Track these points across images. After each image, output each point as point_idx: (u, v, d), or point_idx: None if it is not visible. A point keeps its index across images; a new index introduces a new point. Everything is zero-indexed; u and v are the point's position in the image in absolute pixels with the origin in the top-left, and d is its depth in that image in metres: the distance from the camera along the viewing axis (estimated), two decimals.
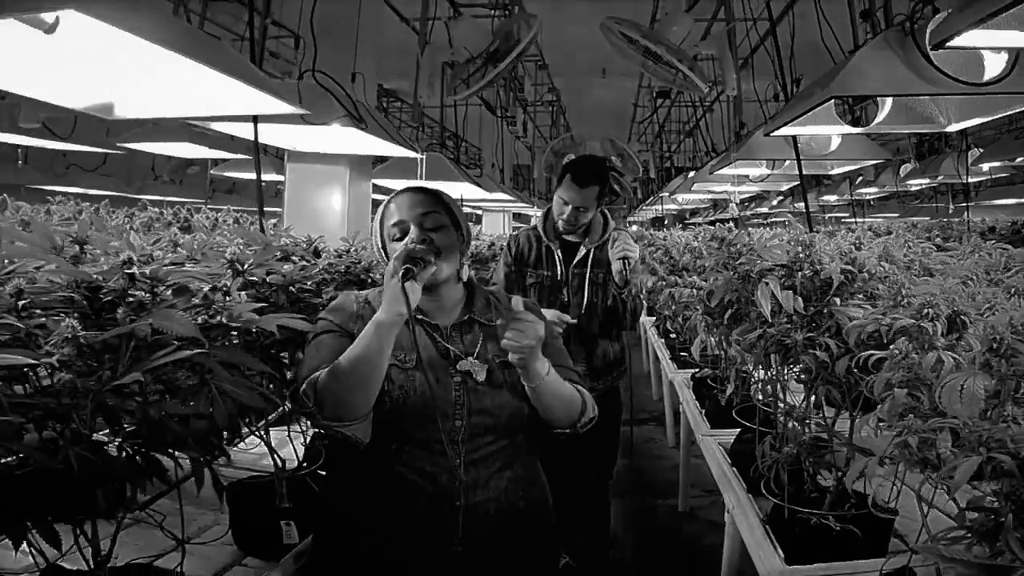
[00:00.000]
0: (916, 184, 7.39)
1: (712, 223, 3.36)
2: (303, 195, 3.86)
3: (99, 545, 1.28)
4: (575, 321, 2.88)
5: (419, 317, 1.64)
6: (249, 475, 2.12)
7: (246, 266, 1.52)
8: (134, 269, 1.03)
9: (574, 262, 3.03)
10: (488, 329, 1.70)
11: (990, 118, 2.58)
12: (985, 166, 5.85)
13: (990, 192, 8.81)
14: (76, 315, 0.98)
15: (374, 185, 4.32)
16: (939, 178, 6.43)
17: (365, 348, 1.42)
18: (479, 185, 5.06)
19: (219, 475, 1.28)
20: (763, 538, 2.04)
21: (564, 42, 7.10)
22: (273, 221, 5.17)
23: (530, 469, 1.75)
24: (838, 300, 1.47)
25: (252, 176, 6.52)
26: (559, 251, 3.03)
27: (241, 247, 1.67)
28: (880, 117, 2.73)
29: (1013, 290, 1.34)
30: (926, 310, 1.00)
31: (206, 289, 1.23)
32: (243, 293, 1.37)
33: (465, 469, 1.58)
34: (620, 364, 3.10)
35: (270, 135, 3.07)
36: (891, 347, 1.10)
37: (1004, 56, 1.78)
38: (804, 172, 3.49)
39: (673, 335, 5.00)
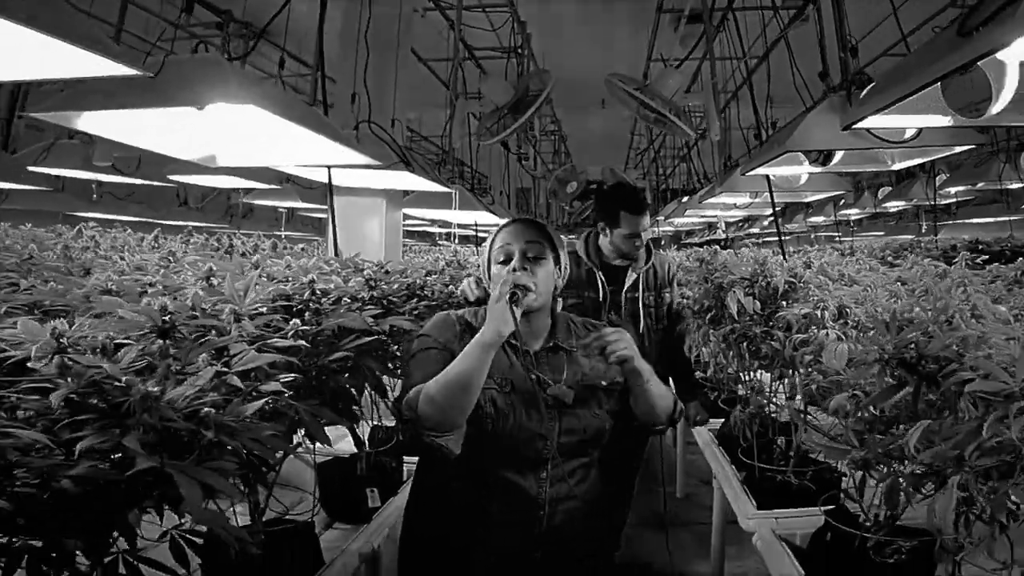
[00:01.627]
0: (893, 206, 7.98)
1: (704, 244, 3.87)
2: (346, 223, 4.43)
3: (258, 500, 1.81)
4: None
5: (513, 342, 1.71)
6: (331, 456, 2.57)
7: (377, 282, 2.00)
8: (316, 286, 1.58)
9: (625, 287, 3.15)
10: (570, 354, 1.79)
11: (925, 159, 3.18)
12: (952, 189, 6.44)
13: (972, 211, 9.41)
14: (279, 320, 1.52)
15: (404, 214, 4.89)
16: (913, 200, 7.01)
17: (467, 364, 1.51)
18: (493, 212, 5.63)
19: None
20: (740, 492, 2.59)
21: (566, 75, 7.65)
22: (308, 244, 5.72)
23: (605, 475, 1.84)
24: (784, 303, 2.03)
25: (271, 202, 7.13)
26: (600, 274, 3.15)
27: (373, 269, 2.14)
28: (837, 158, 3.32)
29: (906, 291, 1.90)
30: (819, 304, 1.56)
31: (347, 299, 1.78)
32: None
33: (550, 483, 1.69)
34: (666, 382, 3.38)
35: (322, 173, 3.64)
36: (810, 331, 1.66)
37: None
38: (780, 199, 4.07)
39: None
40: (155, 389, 0.90)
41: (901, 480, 1.11)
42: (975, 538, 0.96)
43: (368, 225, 4.41)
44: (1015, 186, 6.14)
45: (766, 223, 13.07)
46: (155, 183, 5.87)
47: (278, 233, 9.50)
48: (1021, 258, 2.96)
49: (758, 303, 2.03)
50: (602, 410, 1.74)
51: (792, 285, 2.03)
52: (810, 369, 1.52)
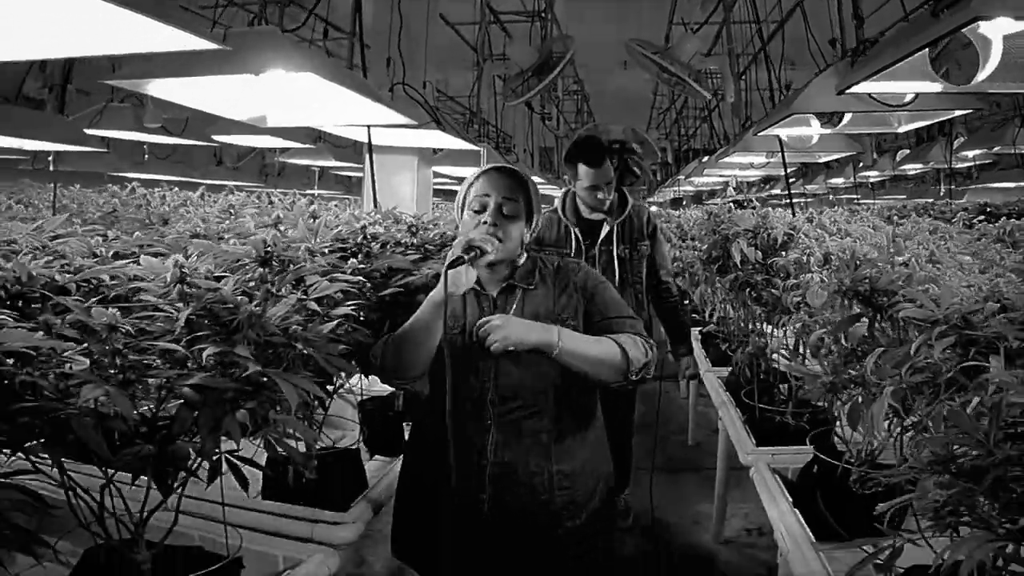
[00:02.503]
0: (911, 168, 8.07)
1: (727, 203, 4.02)
2: (380, 179, 4.65)
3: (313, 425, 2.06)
4: None
5: (474, 287, 1.74)
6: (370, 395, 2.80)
7: (418, 230, 2.22)
8: (367, 231, 1.82)
9: (599, 240, 3.20)
10: (528, 292, 1.78)
11: (927, 122, 3.34)
12: (969, 153, 6.53)
13: (996, 175, 9.45)
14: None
15: (434, 171, 5.12)
16: (931, 163, 7.11)
17: (419, 319, 1.60)
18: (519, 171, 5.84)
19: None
20: (741, 430, 2.83)
21: (588, 36, 7.78)
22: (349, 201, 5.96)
23: (564, 437, 1.79)
24: (784, 253, 2.25)
25: (306, 161, 7.38)
26: (576, 230, 3.21)
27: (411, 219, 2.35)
28: (846, 120, 3.49)
29: (895, 240, 2.10)
30: (807, 251, 1.78)
31: (391, 244, 2.02)
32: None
33: (497, 428, 1.71)
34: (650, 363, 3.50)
35: (358, 132, 3.87)
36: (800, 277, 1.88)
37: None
38: (794, 159, 4.24)
39: (687, 302, 5.81)
40: (258, 309, 1.14)
41: (860, 400, 1.33)
42: (908, 454, 1.16)
43: (401, 181, 4.64)
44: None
45: (789, 182, 13.14)
46: (198, 143, 6.13)
47: (311, 192, 9.75)
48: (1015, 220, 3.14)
49: (760, 253, 2.25)
50: (548, 359, 1.66)
51: (790, 237, 2.24)
52: (799, 310, 1.75)
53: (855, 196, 14.13)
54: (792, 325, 1.90)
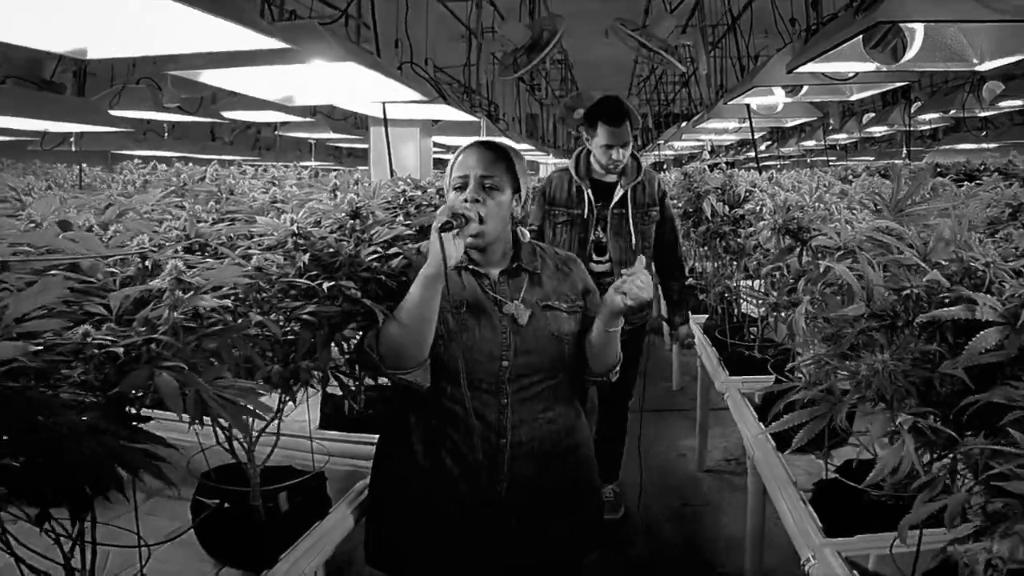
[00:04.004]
0: (876, 131, 8.54)
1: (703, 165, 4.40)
2: (382, 151, 5.06)
3: None
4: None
5: (469, 267, 1.76)
6: None
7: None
8: (407, 194, 2.24)
9: (613, 203, 3.20)
10: (534, 276, 1.80)
11: (876, 91, 3.77)
12: (926, 116, 6.99)
13: (958, 137, 9.95)
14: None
15: (433, 141, 5.54)
16: (894, 126, 7.57)
17: (413, 298, 1.55)
18: (511, 139, 6.25)
19: None
20: (718, 365, 3.28)
21: (571, 6, 8.00)
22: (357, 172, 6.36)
23: (571, 412, 1.85)
24: (746, 205, 2.69)
25: (304, 134, 7.71)
26: (589, 191, 3.20)
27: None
28: (804, 90, 3.92)
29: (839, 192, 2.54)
30: (760, 203, 2.21)
31: (424, 204, 2.44)
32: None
33: (512, 408, 1.70)
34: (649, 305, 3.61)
35: (370, 107, 4.25)
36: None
37: None
38: (764, 125, 4.65)
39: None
40: (354, 250, 1.57)
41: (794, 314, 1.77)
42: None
43: (405, 151, 5.04)
44: (987, 114, 6.70)
45: (763, 147, 13.62)
46: (200, 120, 6.47)
47: (307, 163, 10.07)
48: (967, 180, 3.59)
49: (727, 207, 2.69)
50: (561, 333, 1.75)
51: (751, 192, 2.68)
52: (755, 251, 2.19)
53: (830, 158, 14.63)
54: (751, 263, 2.34)
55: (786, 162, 15.40)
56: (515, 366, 1.70)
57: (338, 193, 2.12)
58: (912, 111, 6.69)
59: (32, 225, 1.33)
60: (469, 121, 4.76)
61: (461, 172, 1.74)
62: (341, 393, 1.80)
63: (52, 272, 1.05)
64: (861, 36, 2.26)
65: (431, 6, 6.62)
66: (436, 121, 5.46)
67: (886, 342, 0.98)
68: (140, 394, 0.95)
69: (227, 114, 5.74)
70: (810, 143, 10.38)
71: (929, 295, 0.97)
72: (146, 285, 1.00)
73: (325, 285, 1.46)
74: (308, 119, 6.83)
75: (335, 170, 10.61)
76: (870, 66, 2.68)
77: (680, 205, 3.28)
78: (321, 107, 7.28)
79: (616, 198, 3.19)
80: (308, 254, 1.52)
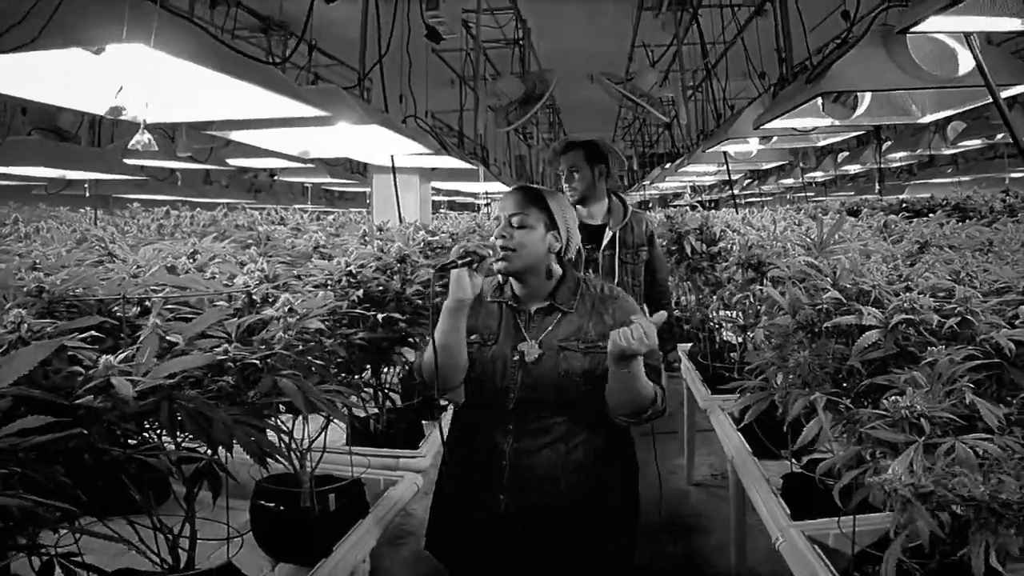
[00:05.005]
0: (851, 169, 9.00)
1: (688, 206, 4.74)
2: (386, 197, 5.42)
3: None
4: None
5: (509, 303, 1.89)
6: None
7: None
8: (427, 239, 2.58)
9: (603, 245, 3.35)
10: (566, 316, 1.86)
11: (836, 138, 4.17)
12: (895, 155, 7.44)
13: (933, 172, 10.46)
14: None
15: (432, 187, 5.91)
16: (867, 164, 8.02)
17: (440, 330, 1.71)
18: (502, 182, 6.64)
19: None
20: (700, 384, 3.61)
21: (557, 49, 8.07)
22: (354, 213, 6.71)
23: (591, 448, 1.87)
24: (721, 243, 3.04)
25: (303, 179, 8.04)
26: (583, 233, 3.28)
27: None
28: (775, 138, 4.32)
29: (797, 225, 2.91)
30: (730, 243, 2.56)
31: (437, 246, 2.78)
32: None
33: (515, 436, 1.81)
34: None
35: (376, 158, 4.61)
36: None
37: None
38: (740, 168, 5.02)
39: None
40: (401, 288, 1.91)
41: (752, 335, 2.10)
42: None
43: (406, 197, 5.39)
44: (951, 151, 7.15)
45: (746, 183, 14.12)
46: (212, 167, 6.83)
47: (304, 206, 10.41)
48: (921, 216, 3.97)
49: (704, 244, 3.04)
50: (571, 372, 1.79)
51: (724, 232, 3.04)
52: (728, 283, 2.53)
53: (810, 194, 15.16)
54: (725, 294, 2.68)
55: (768, 198, 15.96)
56: (520, 400, 1.79)
57: (366, 239, 2.47)
58: (883, 150, 7.13)
59: (137, 268, 1.65)
60: (467, 168, 5.14)
61: (496, 215, 1.88)
62: (365, 414, 2.10)
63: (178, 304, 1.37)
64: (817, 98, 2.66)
65: (423, 51, 7.09)
66: (434, 168, 5.84)
67: (808, 343, 1.31)
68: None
69: (232, 161, 6.08)
70: (788, 181, 10.85)
71: (836, 309, 1.30)
72: (259, 315, 1.32)
73: (379, 316, 1.79)
74: (308, 165, 7.17)
75: (330, 212, 11.01)
76: (827, 121, 3.07)
77: (664, 244, 3.64)
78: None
79: (606, 240, 3.33)
80: (361, 290, 1.85)
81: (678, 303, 4.06)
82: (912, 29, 1.51)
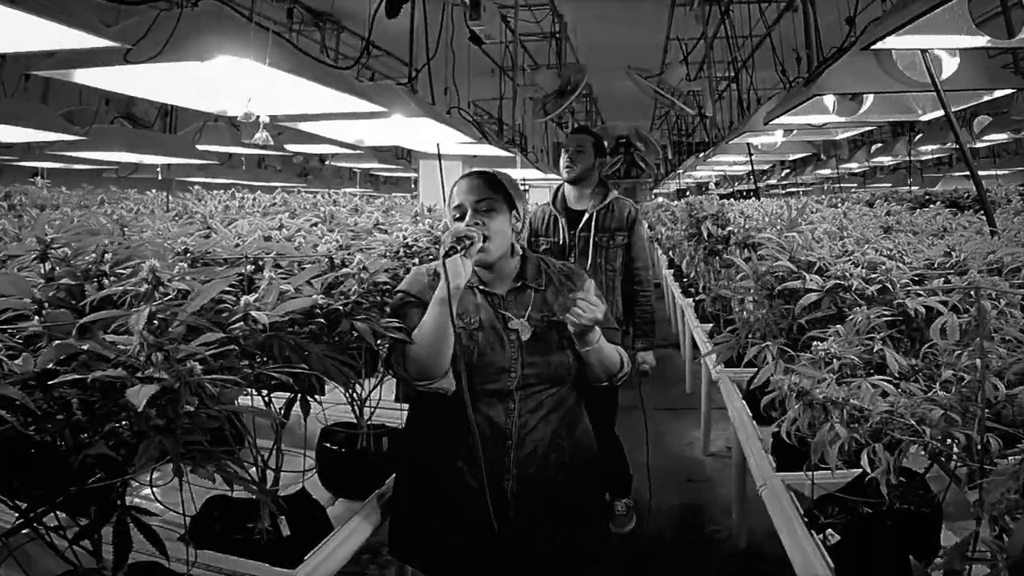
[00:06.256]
0: (887, 161, 9.17)
1: (729, 195, 5.07)
2: (430, 182, 5.80)
3: None
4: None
5: (480, 287, 1.89)
6: None
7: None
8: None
9: (579, 227, 3.49)
10: (538, 293, 1.92)
11: (855, 131, 4.45)
12: (926, 147, 7.62)
13: (960, 166, 10.56)
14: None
15: None
16: (899, 156, 8.20)
17: (432, 319, 1.70)
18: (539, 169, 6.99)
19: None
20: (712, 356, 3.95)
21: (595, 41, 8.19)
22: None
23: (575, 414, 1.98)
24: (734, 228, 3.36)
25: (351, 164, 8.46)
26: (563, 219, 3.52)
27: None
28: (796, 130, 4.60)
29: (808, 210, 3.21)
30: (738, 226, 2.88)
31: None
32: None
33: (518, 413, 1.83)
34: (620, 325, 3.36)
35: (423, 145, 4.99)
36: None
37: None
38: (764, 159, 5.31)
39: (685, 279, 6.94)
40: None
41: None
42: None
43: (449, 182, 5.76)
44: (980, 145, 7.32)
45: (783, 173, 14.27)
46: (272, 152, 7.30)
47: (352, 190, 10.88)
48: (935, 204, 4.22)
49: (720, 229, 3.36)
50: (565, 346, 1.87)
51: (742, 216, 3.36)
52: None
53: (850, 185, 15.24)
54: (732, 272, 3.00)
55: (809, 188, 16.04)
56: (522, 377, 1.83)
57: (417, 218, 2.85)
58: (914, 143, 7.33)
59: (239, 238, 2.04)
60: (505, 156, 5.50)
61: (457, 202, 1.89)
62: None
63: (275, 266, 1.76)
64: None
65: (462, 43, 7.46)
66: (474, 156, 6.21)
67: (768, 304, 1.64)
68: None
69: (290, 147, 6.52)
70: (825, 171, 11.03)
71: (789, 276, 1.63)
72: (336, 273, 1.70)
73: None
74: (357, 151, 7.59)
75: (376, 196, 11.49)
76: (835, 117, 3.37)
77: (684, 228, 3.96)
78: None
79: (582, 222, 3.47)
80: (416, 258, 2.22)
81: (693, 284, 4.29)
82: (873, 47, 1.81)
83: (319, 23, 6.74)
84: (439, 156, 4.36)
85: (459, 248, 1.67)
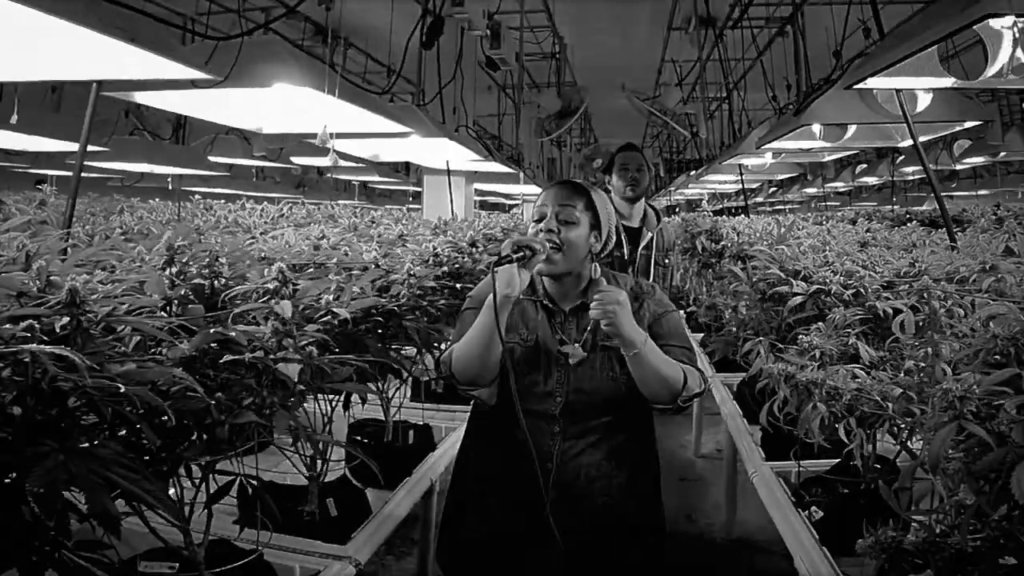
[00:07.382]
0: (871, 181, 9.51)
1: (718, 212, 5.32)
2: (438, 195, 6.07)
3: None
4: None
5: (543, 302, 1.83)
6: None
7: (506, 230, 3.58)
8: (483, 231, 3.21)
9: (641, 245, 3.46)
10: None
11: (841, 154, 4.74)
12: (908, 169, 7.95)
13: (960, 184, 10.94)
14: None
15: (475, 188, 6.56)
16: (882, 177, 8.54)
17: (479, 325, 1.67)
18: (536, 184, 7.27)
19: None
20: (705, 361, 4.20)
21: (589, 59, 8.32)
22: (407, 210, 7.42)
23: (631, 443, 1.85)
24: (722, 242, 3.63)
25: (351, 177, 8.70)
26: (624, 235, 3.39)
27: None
28: (784, 153, 4.89)
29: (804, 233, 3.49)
30: (729, 240, 3.14)
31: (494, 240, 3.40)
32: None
33: (563, 437, 1.76)
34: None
35: (431, 161, 5.25)
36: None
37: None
38: (754, 179, 5.60)
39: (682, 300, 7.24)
40: (472, 266, 2.54)
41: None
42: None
43: (454, 197, 6.04)
44: (959, 167, 7.66)
45: (771, 191, 14.64)
46: (278, 165, 7.52)
47: (350, 201, 11.11)
48: (912, 222, 4.52)
49: (713, 243, 3.63)
50: (618, 373, 1.75)
51: (734, 232, 3.63)
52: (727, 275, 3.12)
53: (834, 203, 15.62)
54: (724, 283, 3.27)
55: (795, 206, 16.42)
56: (568, 403, 1.75)
57: (437, 231, 3.10)
58: (896, 163, 7.65)
59: (287, 245, 2.29)
60: (506, 172, 5.77)
61: (540, 204, 1.80)
62: (427, 378, 2.70)
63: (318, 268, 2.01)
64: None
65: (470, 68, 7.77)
66: (476, 172, 6.49)
67: (760, 306, 1.91)
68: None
69: (296, 160, 6.75)
70: (812, 190, 11.37)
71: (778, 282, 1.90)
72: (388, 279, 1.95)
73: (458, 286, 2.41)
74: (360, 164, 7.82)
75: (373, 208, 11.73)
76: (822, 143, 3.66)
77: (679, 243, 4.23)
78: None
79: (644, 241, 3.44)
80: (445, 267, 2.47)
81: (684, 296, 4.45)
82: (855, 86, 2.09)
83: (325, 39, 6.97)
84: (448, 172, 4.62)
85: (515, 257, 1.61)
